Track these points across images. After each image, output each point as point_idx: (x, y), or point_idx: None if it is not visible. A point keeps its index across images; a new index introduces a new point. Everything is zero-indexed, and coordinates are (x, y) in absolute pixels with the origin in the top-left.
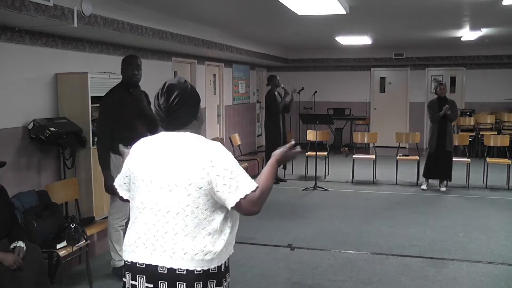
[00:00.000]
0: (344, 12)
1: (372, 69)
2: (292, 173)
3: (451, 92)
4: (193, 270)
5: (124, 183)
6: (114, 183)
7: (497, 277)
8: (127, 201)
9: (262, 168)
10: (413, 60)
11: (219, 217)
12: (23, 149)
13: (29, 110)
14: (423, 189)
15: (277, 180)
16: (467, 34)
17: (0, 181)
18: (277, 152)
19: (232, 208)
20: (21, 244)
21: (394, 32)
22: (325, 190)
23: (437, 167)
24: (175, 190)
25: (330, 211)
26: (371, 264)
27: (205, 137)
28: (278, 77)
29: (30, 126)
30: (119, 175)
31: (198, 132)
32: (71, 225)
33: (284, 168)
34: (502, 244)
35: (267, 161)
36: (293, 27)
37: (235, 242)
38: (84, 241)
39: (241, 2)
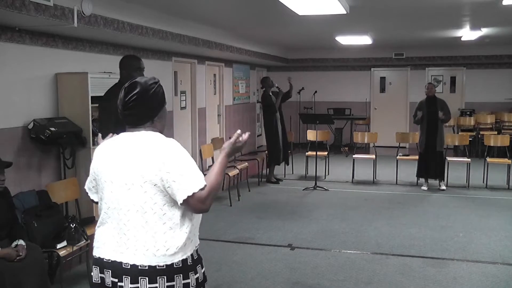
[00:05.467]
0: (344, 12)
1: (372, 69)
2: (292, 173)
3: (451, 92)
4: (155, 266)
5: (93, 186)
6: (85, 187)
7: (497, 277)
8: (97, 203)
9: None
10: (413, 60)
11: (178, 211)
12: (23, 149)
13: (29, 110)
14: (423, 190)
15: (277, 180)
16: (467, 34)
17: (5, 183)
18: (225, 146)
19: (181, 204)
20: (22, 242)
21: (394, 32)
22: (325, 190)
23: (429, 167)
24: (133, 188)
25: (330, 211)
26: (371, 264)
27: (205, 137)
28: (270, 78)
29: (30, 126)
30: (88, 178)
31: (160, 132)
32: (71, 225)
33: (287, 164)
34: (502, 244)
35: (267, 160)
36: (293, 27)
37: (238, 242)
38: (84, 241)
39: (241, 2)
